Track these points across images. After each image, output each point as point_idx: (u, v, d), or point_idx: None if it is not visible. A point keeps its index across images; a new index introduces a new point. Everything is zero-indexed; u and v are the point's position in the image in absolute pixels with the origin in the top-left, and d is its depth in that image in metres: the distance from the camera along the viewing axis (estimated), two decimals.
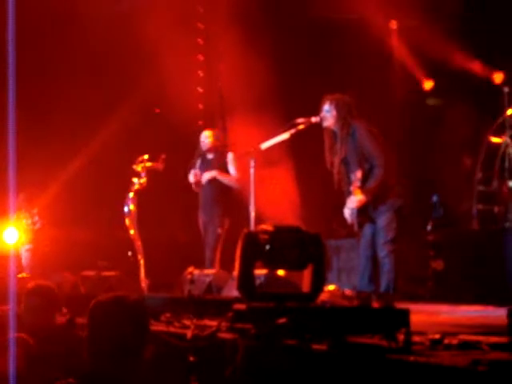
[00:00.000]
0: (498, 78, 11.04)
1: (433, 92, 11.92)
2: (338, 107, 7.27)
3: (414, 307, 5.00)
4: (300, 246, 4.80)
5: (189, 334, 4.76)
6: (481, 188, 10.66)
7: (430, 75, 11.73)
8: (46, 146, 10.26)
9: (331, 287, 6.92)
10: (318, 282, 4.83)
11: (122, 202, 8.77)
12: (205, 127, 9.77)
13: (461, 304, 8.47)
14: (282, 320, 4.30)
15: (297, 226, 5.00)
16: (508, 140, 10.36)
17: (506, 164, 10.29)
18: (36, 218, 8.85)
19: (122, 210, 8.78)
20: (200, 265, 8.21)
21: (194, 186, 9.08)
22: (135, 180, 8.76)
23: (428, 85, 11.79)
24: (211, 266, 8.52)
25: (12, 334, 4.34)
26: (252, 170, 7.81)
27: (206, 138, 9.20)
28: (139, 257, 8.69)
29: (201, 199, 9.10)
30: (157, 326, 5.35)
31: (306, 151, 9.70)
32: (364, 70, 10.81)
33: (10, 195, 7.02)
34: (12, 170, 6.00)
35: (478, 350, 4.03)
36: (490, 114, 10.77)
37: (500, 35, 10.70)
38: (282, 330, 4.28)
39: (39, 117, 10.53)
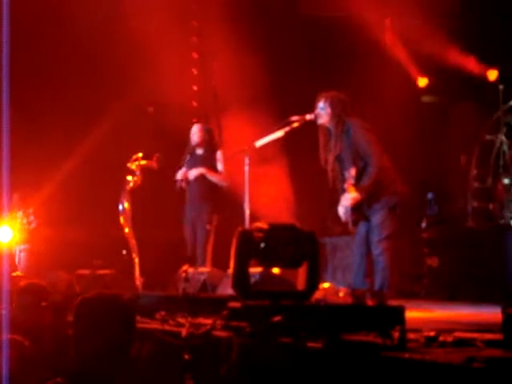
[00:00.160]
0: (493, 75, 11.04)
1: (428, 89, 11.91)
2: (333, 105, 7.27)
3: (408, 304, 5.00)
4: (295, 244, 4.80)
5: (184, 332, 4.75)
6: (476, 185, 10.69)
7: (424, 72, 11.73)
8: (40, 145, 10.24)
9: (326, 285, 6.93)
10: (313, 280, 4.83)
11: (117, 200, 8.76)
12: (200, 122, 9.73)
13: (456, 301, 8.49)
14: (277, 318, 4.29)
15: (291, 224, 5.00)
16: (503, 137, 10.38)
17: (501, 161, 10.32)
18: (31, 218, 8.84)
19: (117, 209, 8.76)
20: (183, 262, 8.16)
21: (179, 184, 9.04)
22: (129, 178, 8.74)
23: (423, 82, 11.80)
24: (203, 263, 8.51)
25: (5, 334, 4.32)
26: (247, 168, 7.81)
27: (196, 132, 9.18)
28: (134, 255, 8.68)
29: (188, 196, 9.07)
30: (151, 324, 5.34)
31: (300, 149, 9.69)
32: (358, 68, 10.80)
33: (3, 194, 7.01)
34: (5, 170, 5.99)
35: (472, 347, 4.04)
36: (485, 111, 10.79)
37: (494, 32, 10.71)
38: (276, 328, 4.28)
39: (33, 116, 10.51)
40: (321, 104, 7.31)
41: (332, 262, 10.22)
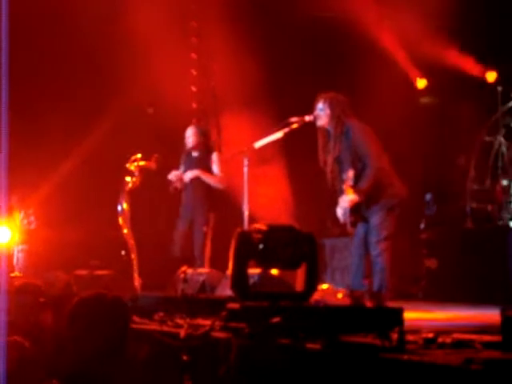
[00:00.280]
0: (491, 76, 11.05)
1: (426, 91, 11.91)
2: (332, 106, 7.26)
3: (407, 306, 5.00)
4: (293, 245, 4.80)
5: (182, 333, 4.75)
6: (474, 186, 10.68)
7: (423, 74, 11.73)
8: (39, 146, 10.24)
9: (325, 286, 6.93)
10: (312, 281, 4.83)
11: (115, 201, 8.75)
12: (195, 124, 9.70)
13: (454, 302, 8.48)
14: (276, 319, 4.30)
15: (290, 225, 5.00)
16: (501, 139, 10.38)
17: (500, 163, 10.32)
18: (32, 218, 8.86)
19: (115, 209, 8.75)
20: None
21: (172, 186, 9.04)
22: (128, 179, 8.74)
23: (421, 83, 11.80)
24: (201, 265, 8.50)
25: (3, 334, 4.31)
26: (246, 169, 7.81)
27: (190, 135, 9.15)
28: (132, 256, 8.66)
29: (184, 197, 9.08)
30: (150, 325, 5.34)
31: (299, 150, 9.69)
32: (357, 69, 10.81)
33: (1, 195, 7.00)
34: (4, 171, 5.99)
35: (471, 349, 4.04)
36: (483, 113, 10.79)
37: (493, 34, 10.71)
38: (275, 329, 4.28)
39: (32, 117, 10.50)
40: (320, 105, 7.30)
41: (331, 263, 10.22)
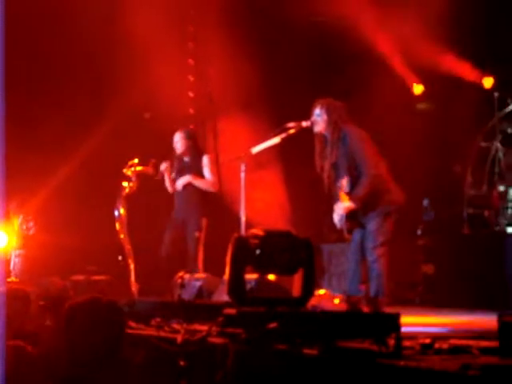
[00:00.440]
0: (488, 82, 11.06)
1: (423, 97, 11.92)
2: (329, 111, 7.27)
3: (404, 311, 5.00)
4: (290, 251, 4.80)
5: (179, 338, 4.74)
6: (471, 192, 10.69)
7: (420, 80, 11.74)
8: (36, 151, 10.22)
9: (322, 292, 6.92)
10: (309, 287, 4.83)
11: (112, 206, 8.75)
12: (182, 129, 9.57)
13: (451, 308, 8.48)
14: (273, 325, 4.29)
15: (287, 231, 5.00)
16: (498, 144, 10.39)
17: (496, 168, 10.33)
18: (31, 224, 8.85)
19: (112, 215, 8.75)
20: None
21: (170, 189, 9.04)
22: (125, 184, 8.74)
23: (418, 89, 11.81)
24: (195, 269, 8.46)
25: (2, 339, 4.31)
26: (243, 175, 7.80)
27: (178, 141, 9.07)
28: (129, 261, 8.67)
29: (176, 202, 9.04)
30: (147, 331, 5.33)
31: (295, 155, 9.70)
32: (354, 75, 10.82)
33: None
34: (1, 177, 5.98)
35: (468, 355, 4.04)
36: (480, 118, 10.80)
37: (490, 40, 10.73)
38: (272, 335, 4.28)
39: (28, 122, 10.49)
40: (317, 111, 7.31)
41: (327, 269, 10.21)
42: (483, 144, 10.70)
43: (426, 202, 10.77)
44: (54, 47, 10.60)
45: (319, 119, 7.28)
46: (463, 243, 9.99)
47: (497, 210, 10.05)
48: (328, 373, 3.97)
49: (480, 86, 11.07)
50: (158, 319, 5.64)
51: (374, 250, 7.06)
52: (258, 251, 4.71)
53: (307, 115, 7.38)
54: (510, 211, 9.93)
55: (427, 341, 4.32)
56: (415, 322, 6.47)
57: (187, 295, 7.17)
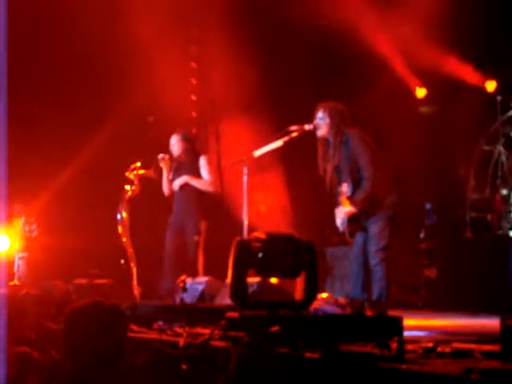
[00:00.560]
0: (491, 86, 11.05)
1: (426, 100, 11.92)
2: (332, 115, 7.27)
3: (406, 315, 4.99)
4: (293, 254, 4.79)
5: (181, 342, 4.74)
6: (474, 196, 10.69)
7: (423, 83, 11.74)
8: (39, 154, 10.23)
9: (324, 295, 6.91)
10: (311, 290, 4.82)
11: (115, 209, 8.75)
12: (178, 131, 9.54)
13: (454, 312, 8.48)
14: (275, 328, 4.29)
15: (290, 234, 4.99)
16: (501, 148, 10.39)
17: (499, 172, 10.33)
18: (34, 226, 8.85)
19: (115, 218, 8.75)
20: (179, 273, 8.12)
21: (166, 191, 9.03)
22: (128, 188, 8.74)
23: (421, 93, 11.80)
24: (194, 273, 8.43)
25: (3, 342, 4.31)
26: (245, 178, 7.80)
27: (174, 143, 9.01)
28: (131, 264, 8.67)
29: (174, 205, 9.02)
30: (149, 334, 5.33)
31: (298, 158, 9.70)
32: (356, 78, 10.83)
33: (1, 203, 7.01)
34: (3, 179, 5.99)
35: (470, 358, 4.03)
36: (483, 122, 10.80)
37: (493, 43, 10.72)
38: (274, 338, 4.27)
39: (31, 125, 10.50)
40: (320, 114, 7.31)
41: (330, 272, 10.21)
42: (486, 148, 10.70)
43: (428, 206, 10.76)
44: (57, 51, 10.61)
45: (322, 122, 7.28)
46: (466, 247, 9.98)
47: (499, 214, 10.05)
48: (330, 376, 3.97)
49: (483, 90, 11.06)
50: (161, 323, 5.64)
51: (376, 253, 7.06)
52: (260, 254, 4.70)
53: (310, 118, 7.38)
54: None
55: (430, 344, 4.32)
56: (418, 326, 6.46)
57: (189, 299, 7.17)
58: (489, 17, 10.65)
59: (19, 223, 8.87)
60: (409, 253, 10.25)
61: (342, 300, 6.76)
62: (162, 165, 8.93)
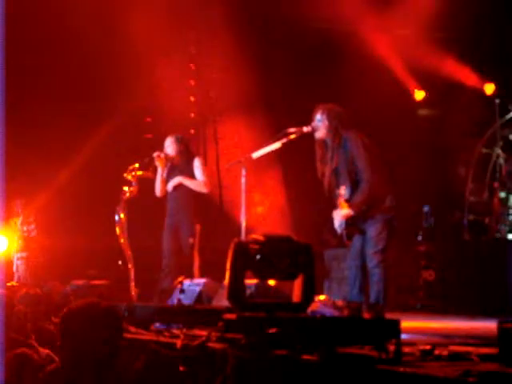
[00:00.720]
0: (490, 89, 11.07)
1: (424, 103, 11.93)
2: (330, 117, 7.27)
3: (404, 317, 4.99)
4: (291, 256, 4.79)
5: (179, 343, 4.74)
6: (472, 199, 10.69)
7: (421, 86, 11.74)
8: (38, 155, 10.24)
9: (322, 297, 6.91)
10: (309, 292, 4.82)
11: (113, 210, 8.75)
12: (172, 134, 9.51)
13: (451, 314, 8.48)
14: (273, 330, 4.28)
15: (287, 236, 4.99)
16: (499, 151, 10.39)
17: (498, 175, 10.33)
18: (32, 227, 8.84)
19: (113, 219, 8.75)
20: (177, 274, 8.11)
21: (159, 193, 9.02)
22: (126, 189, 8.74)
23: (420, 95, 11.81)
24: (190, 275, 8.41)
25: (0, 344, 4.30)
26: (243, 180, 7.79)
27: (169, 146, 8.99)
28: (129, 266, 8.66)
29: (168, 206, 9.01)
30: (146, 336, 5.33)
31: (296, 160, 9.70)
32: (355, 81, 10.82)
33: None
34: (1, 180, 5.99)
35: (468, 361, 4.03)
36: (482, 125, 10.81)
37: (492, 46, 10.74)
38: (272, 341, 4.27)
39: (30, 125, 10.51)
40: (318, 116, 7.31)
41: (328, 275, 10.21)
42: (484, 150, 10.70)
43: (426, 209, 10.76)
44: (57, 51, 10.62)
45: (320, 125, 7.28)
46: (464, 249, 9.99)
47: (497, 217, 10.05)
48: (328, 379, 3.97)
49: (481, 93, 11.07)
50: (158, 324, 5.64)
51: (374, 255, 7.06)
52: (258, 256, 4.70)
53: (308, 120, 7.38)
54: (510, 218, 9.93)
55: (427, 347, 4.32)
56: (415, 328, 6.46)
57: (187, 300, 7.17)
58: (488, 20, 10.67)
59: (17, 223, 8.87)
60: (406, 255, 10.25)
61: (339, 302, 6.76)
62: (157, 163, 8.92)
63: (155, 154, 8.92)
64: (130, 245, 8.75)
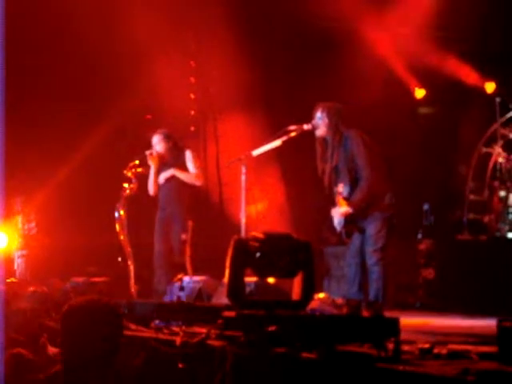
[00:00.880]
0: (490, 87, 11.06)
1: (425, 101, 11.93)
2: (330, 115, 7.27)
3: (403, 316, 4.99)
4: (290, 254, 4.79)
5: (178, 340, 4.74)
6: (472, 197, 10.69)
7: (422, 84, 11.74)
8: (37, 152, 10.24)
9: (321, 295, 6.91)
10: (308, 290, 4.82)
11: (113, 207, 8.75)
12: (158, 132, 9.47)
13: (451, 313, 8.48)
14: (272, 328, 4.29)
15: (287, 234, 4.99)
16: (499, 150, 10.39)
17: (498, 174, 10.33)
18: (32, 224, 8.85)
19: (113, 216, 8.75)
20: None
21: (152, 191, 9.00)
22: (126, 185, 8.73)
23: (420, 94, 11.81)
24: (183, 271, 8.38)
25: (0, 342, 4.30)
26: (243, 177, 7.78)
27: (157, 142, 8.94)
28: (129, 262, 8.66)
29: (160, 201, 8.99)
30: (146, 333, 5.33)
31: (296, 158, 9.69)
32: (356, 79, 10.82)
33: None
34: (1, 177, 5.98)
35: (467, 360, 4.03)
36: (482, 123, 10.80)
37: (493, 45, 10.73)
38: (271, 338, 4.27)
39: (30, 123, 10.50)
40: (318, 114, 7.31)
41: (327, 272, 10.21)
42: (484, 149, 10.70)
43: (426, 207, 10.76)
44: (57, 49, 10.61)
45: (320, 122, 7.28)
46: (463, 248, 9.98)
47: (497, 216, 10.04)
48: (327, 377, 3.97)
49: (482, 91, 11.07)
50: (157, 321, 5.64)
51: (373, 253, 7.06)
52: (257, 254, 4.70)
53: (309, 118, 7.38)
54: (510, 216, 9.92)
55: (426, 345, 4.32)
56: (415, 327, 6.46)
57: (187, 297, 7.17)
58: (489, 18, 10.67)
59: (18, 221, 8.88)
60: (406, 253, 10.25)
61: (338, 300, 6.76)
62: (150, 162, 8.90)
63: (148, 152, 8.89)
64: (129, 242, 8.75)
